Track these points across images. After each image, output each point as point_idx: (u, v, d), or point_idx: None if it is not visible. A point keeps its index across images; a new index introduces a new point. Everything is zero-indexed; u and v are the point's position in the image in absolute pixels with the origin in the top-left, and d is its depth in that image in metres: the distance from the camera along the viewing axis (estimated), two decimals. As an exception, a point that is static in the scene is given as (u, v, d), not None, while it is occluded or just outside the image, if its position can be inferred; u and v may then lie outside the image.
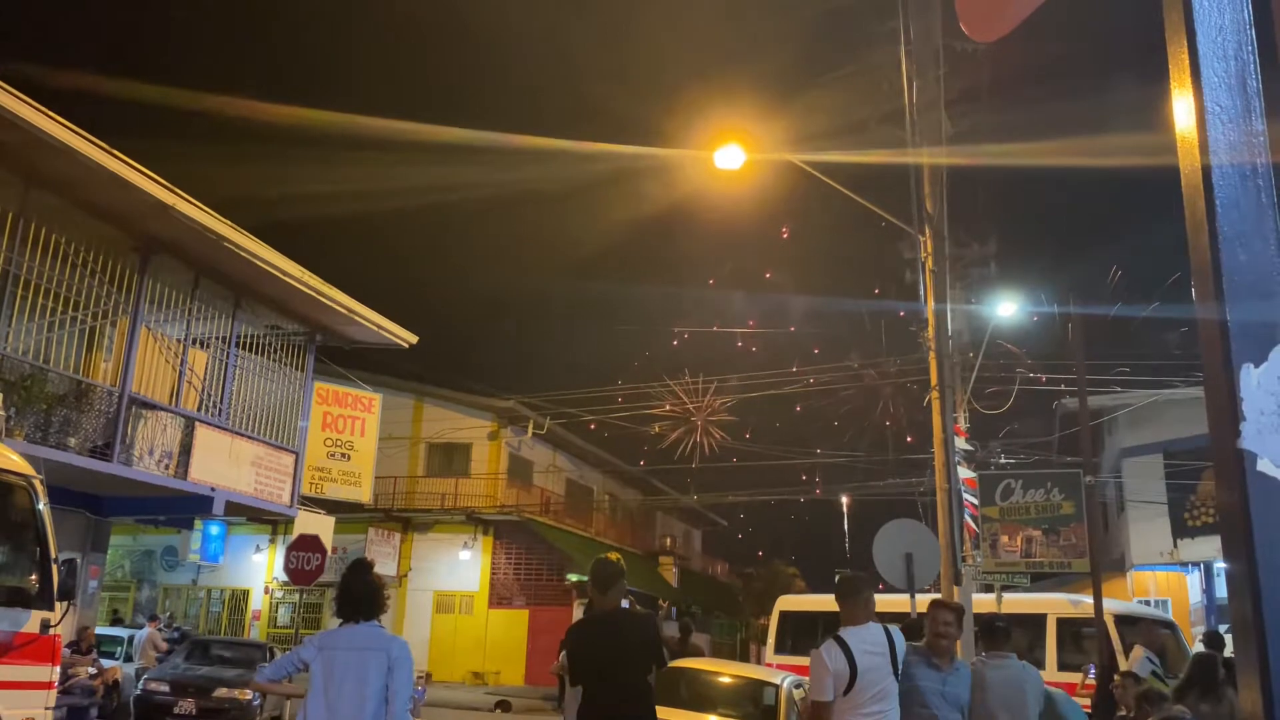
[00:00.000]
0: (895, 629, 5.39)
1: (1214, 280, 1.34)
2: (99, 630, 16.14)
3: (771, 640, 18.65)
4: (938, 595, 11.46)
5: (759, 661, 31.49)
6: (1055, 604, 16.26)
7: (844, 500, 37.16)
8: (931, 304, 13.89)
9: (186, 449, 14.01)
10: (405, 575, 28.97)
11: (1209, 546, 21.65)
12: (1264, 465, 1.28)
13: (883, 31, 14.07)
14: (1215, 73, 1.42)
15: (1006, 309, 17.25)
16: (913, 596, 11.14)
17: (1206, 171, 1.38)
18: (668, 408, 31.49)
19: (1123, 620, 14.89)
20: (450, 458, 30.92)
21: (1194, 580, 23.24)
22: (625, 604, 5.51)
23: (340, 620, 4.86)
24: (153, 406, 13.62)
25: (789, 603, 19.75)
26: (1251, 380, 1.30)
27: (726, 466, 36.84)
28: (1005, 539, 19.28)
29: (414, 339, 17.82)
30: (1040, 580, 22.35)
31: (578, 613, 27.61)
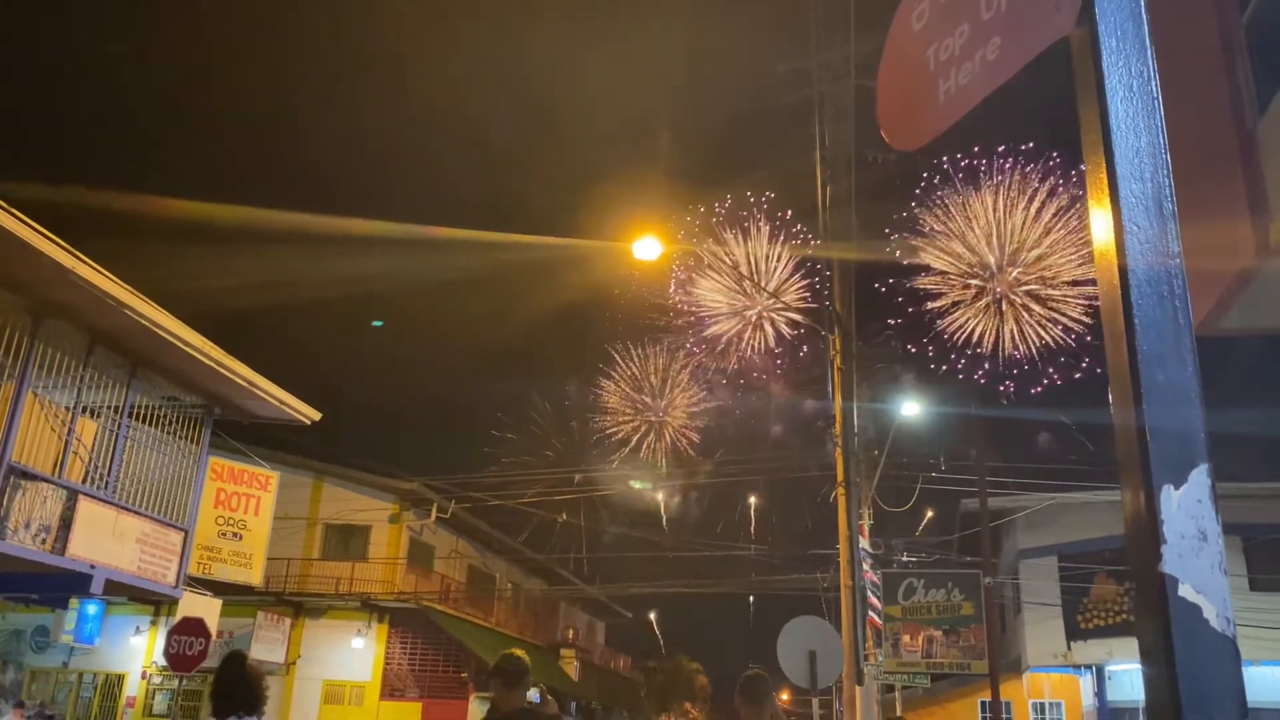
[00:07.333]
0: None
1: (1133, 401, 1.33)
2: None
3: None
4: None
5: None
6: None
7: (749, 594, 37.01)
8: (839, 401, 14.12)
9: (67, 523, 13.27)
10: (294, 663, 27.71)
11: (1101, 649, 22.05)
12: (1185, 590, 1.25)
13: (800, 137, 14.56)
14: (1133, 193, 1.43)
15: (910, 409, 17.64)
16: (815, 695, 11.03)
17: (1125, 291, 1.38)
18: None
19: None
20: (348, 541, 29.90)
21: (1086, 683, 23.57)
22: (536, 696, 5.35)
23: (215, 717, 4.62)
24: (33, 477, 12.91)
25: None
26: (1172, 503, 1.28)
27: (632, 557, 36.42)
28: (907, 638, 19.36)
29: (316, 415, 17.32)
30: (940, 680, 22.43)
31: (474, 707, 26.69)
